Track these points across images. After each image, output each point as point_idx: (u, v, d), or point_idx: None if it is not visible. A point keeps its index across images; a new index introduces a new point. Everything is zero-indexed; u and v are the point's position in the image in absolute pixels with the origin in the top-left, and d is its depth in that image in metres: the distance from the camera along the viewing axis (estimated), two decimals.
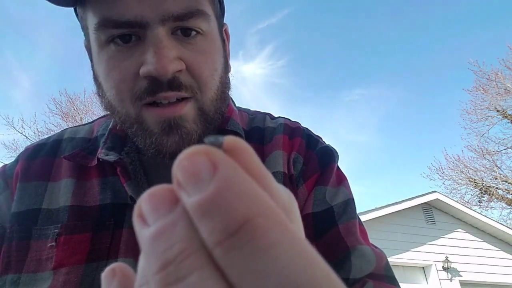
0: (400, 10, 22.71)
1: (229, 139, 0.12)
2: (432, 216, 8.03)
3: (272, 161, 0.53)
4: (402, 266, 7.18)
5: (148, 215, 0.11)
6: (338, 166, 0.58)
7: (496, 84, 12.25)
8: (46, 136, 0.64)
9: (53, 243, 0.45)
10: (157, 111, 0.43)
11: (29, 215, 0.48)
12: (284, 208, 0.11)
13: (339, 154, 0.59)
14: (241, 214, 0.09)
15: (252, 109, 0.67)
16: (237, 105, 0.64)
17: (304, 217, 0.51)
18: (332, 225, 0.50)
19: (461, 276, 7.43)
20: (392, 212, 7.33)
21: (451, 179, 12.60)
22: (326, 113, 24.70)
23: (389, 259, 0.53)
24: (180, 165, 0.11)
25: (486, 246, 8.10)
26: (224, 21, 0.56)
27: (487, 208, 11.87)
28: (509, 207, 11.63)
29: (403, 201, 7.67)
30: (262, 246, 0.09)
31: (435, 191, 8.13)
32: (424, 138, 22.45)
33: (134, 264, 0.48)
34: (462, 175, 12.44)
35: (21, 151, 0.57)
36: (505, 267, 7.88)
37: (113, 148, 0.51)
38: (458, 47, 21.22)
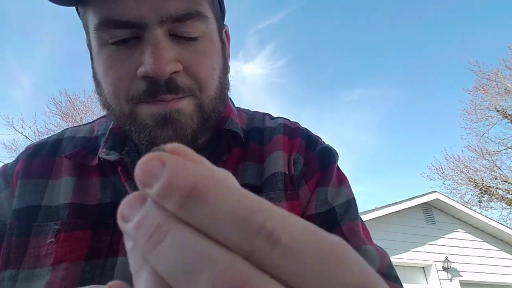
0: (400, 10, 22.72)
1: (170, 145, 0.16)
2: (432, 216, 8.03)
3: (272, 162, 0.53)
4: (402, 266, 7.18)
5: (128, 214, 0.15)
6: (338, 166, 0.58)
7: (496, 84, 12.25)
8: (46, 136, 0.64)
9: (53, 239, 0.45)
10: (153, 105, 0.43)
11: (29, 211, 0.48)
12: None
13: (339, 154, 0.59)
14: (187, 185, 0.13)
15: (252, 109, 0.67)
16: (236, 106, 0.64)
17: (308, 218, 0.51)
18: (335, 226, 0.50)
19: (461, 276, 7.43)
20: (392, 212, 7.34)
21: (451, 179, 12.61)
22: (326, 113, 24.73)
23: None
24: (139, 169, 0.14)
25: (486, 246, 8.10)
26: (225, 23, 0.56)
27: (487, 208, 11.88)
28: (509, 207, 11.63)
29: (403, 201, 7.67)
30: (207, 199, 0.13)
31: (435, 191, 8.13)
32: (424, 138, 22.46)
33: None
34: (462, 175, 12.45)
35: (21, 151, 0.58)
36: (505, 267, 7.88)
37: (114, 147, 0.51)
38: (458, 47, 21.24)
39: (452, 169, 12.65)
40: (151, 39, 0.41)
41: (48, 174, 0.52)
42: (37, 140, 0.81)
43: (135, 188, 0.48)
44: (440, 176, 12.74)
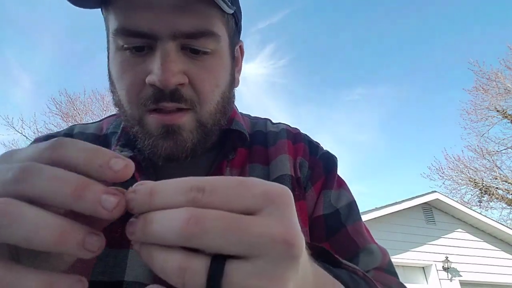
0: (400, 10, 22.72)
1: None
2: (432, 216, 8.03)
3: (279, 164, 0.57)
4: (402, 266, 7.18)
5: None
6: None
7: (496, 84, 12.25)
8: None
9: None
10: (159, 117, 0.46)
11: None
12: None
13: (339, 153, 0.63)
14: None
15: (252, 108, 0.71)
16: (238, 110, 0.67)
17: (316, 219, 0.55)
18: (340, 226, 0.54)
19: (461, 276, 7.43)
20: (392, 212, 7.34)
21: (451, 179, 12.62)
22: (326, 112, 24.73)
23: None
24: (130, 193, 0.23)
25: (486, 246, 8.11)
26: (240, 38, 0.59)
27: (487, 208, 11.89)
28: (509, 207, 11.63)
29: (403, 201, 7.68)
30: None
31: (435, 191, 8.14)
32: (424, 138, 22.46)
33: None
34: (462, 175, 12.45)
35: (30, 143, 0.59)
36: (505, 267, 7.88)
37: (127, 145, 0.54)
38: (458, 47, 21.23)
39: (452, 169, 12.67)
40: (162, 51, 0.44)
41: None
42: None
43: None
44: (440, 176, 12.76)
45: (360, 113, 23.20)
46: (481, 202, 11.96)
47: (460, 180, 12.47)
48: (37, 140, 0.58)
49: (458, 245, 7.85)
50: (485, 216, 8.24)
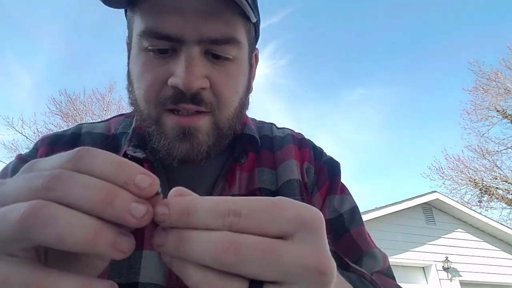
0: (401, 10, 22.73)
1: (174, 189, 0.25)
2: (432, 216, 8.03)
3: (287, 169, 0.58)
4: (402, 266, 7.18)
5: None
6: None
7: (496, 84, 12.25)
8: None
9: None
10: (176, 118, 0.47)
11: None
12: None
13: (340, 153, 0.65)
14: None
15: (253, 108, 0.70)
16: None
17: None
18: (344, 230, 0.57)
19: (461, 276, 7.43)
20: (392, 212, 7.34)
21: (451, 179, 12.61)
22: (326, 112, 24.73)
23: (389, 259, 0.57)
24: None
25: (486, 246, 8.10)
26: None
27: (487, 208, 11.88)
28: (509, 207, 11.63)
29: (403, 201, 7.68)
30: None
31: (435, 191, 8.13)
32: (424, 138, 22.46)
33: (159, 257, 0.48)
34: (462, 175, 12.45)
35: (36, 141, 0.59)
36: (505, 267, 7.88)
37: (139, 146, 0.54)
38: (458, 47, 21.24)
39: (452, 169, 12.67)
40: (187, 54, 0.45)
41: None
42: (36, 140, 0.82)
43: (163, 184, 0.51)
44: (440, 176, 12.76)
45: (360, 113, 23.23)
46: (481, 202, 11.97)
47: (460, 180, 12.48)
48: (44, 139, 0.58)
49: (458, 245, 7.85)
50: (485, 216, 8.23)
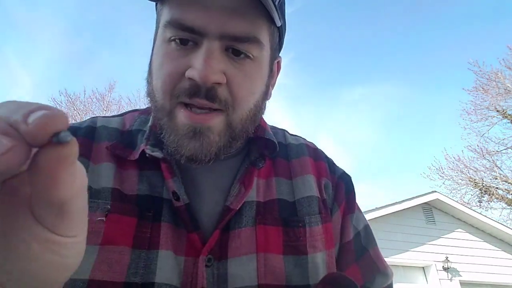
0: (401, 10, 22.73)
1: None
2: (432, 216, 8.02)
3: (306, 184, 0.58)
4: (402, 266, 7.17)
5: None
6: None
7: (496, 84, 12.24)
8: None
9: (103, 218, 0.46)
10: (189, 114, 0.47)
11: None
12: None
13: (339, 153, 0.66)
14: None
15: None
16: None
17: (347, 244, 0.58)
18: (364, 250, 0.58)
19: (461, 276, 7.43)
20: (392, 212, 7.33)
21: (451, 179, 12.60)
22: (326, 112, 24.72)
23: (389, 259, 0.58)
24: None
25: (486, 246, 8.10)
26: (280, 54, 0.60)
27: (487, 208, 11.87)
28: (509, 207, 11.62)
29: (403, 201, 7.67)
30: None
31: (435, 191, 8.12)
32: (424, 138, 22.45)
33: (174, 257, 0.48)
34: (462, 175, 12.44)
35: None
36: (505, 267, 7.87)
37: (156, 145, 0.53)
38: (458, 47, 21.23)
39: (452, 169, 12.65)
40: (207, 48, 0.45)
41: (88, 155, 0.53)
42: None
43: (180, 185, 0.51)
44: (440, 176, 12.74)
45: (361, 113, 23.22)
46: (481, 202, 11.96)
47: (460, 180, 12.47)
48: None
49: (458, 245, 7.84)
50: (485, 216, 8.22)
